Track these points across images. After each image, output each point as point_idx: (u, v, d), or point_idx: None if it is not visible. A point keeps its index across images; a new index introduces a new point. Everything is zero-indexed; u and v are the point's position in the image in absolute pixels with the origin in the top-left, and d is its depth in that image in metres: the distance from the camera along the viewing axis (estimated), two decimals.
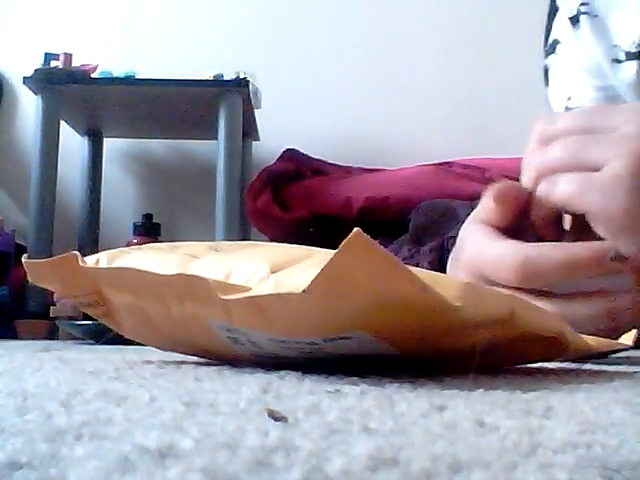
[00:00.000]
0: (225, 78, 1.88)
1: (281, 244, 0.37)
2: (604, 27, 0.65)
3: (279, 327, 0.30)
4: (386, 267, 0.26)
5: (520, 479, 0.12)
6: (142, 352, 0.56)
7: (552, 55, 0.71)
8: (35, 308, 1.72)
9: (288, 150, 1.95)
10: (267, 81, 2.09)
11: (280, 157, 1.92)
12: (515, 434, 0.16)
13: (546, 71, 0.73)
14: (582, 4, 0.66)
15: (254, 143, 2.14)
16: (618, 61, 0.65)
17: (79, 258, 0.38)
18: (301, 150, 1.95)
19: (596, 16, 0.65)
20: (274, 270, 0.31)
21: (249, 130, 2.00)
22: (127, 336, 0.42)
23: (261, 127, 2.08)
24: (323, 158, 1.94)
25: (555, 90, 0.72)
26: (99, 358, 0.51)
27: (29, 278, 0.41)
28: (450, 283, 0.30)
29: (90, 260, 0.39)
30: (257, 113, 2.01)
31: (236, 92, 1.84)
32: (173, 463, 0.13)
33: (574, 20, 0.67)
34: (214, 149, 1.85)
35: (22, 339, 1.51)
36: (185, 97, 1.90)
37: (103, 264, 0.38)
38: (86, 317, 1.57)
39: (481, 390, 0.26)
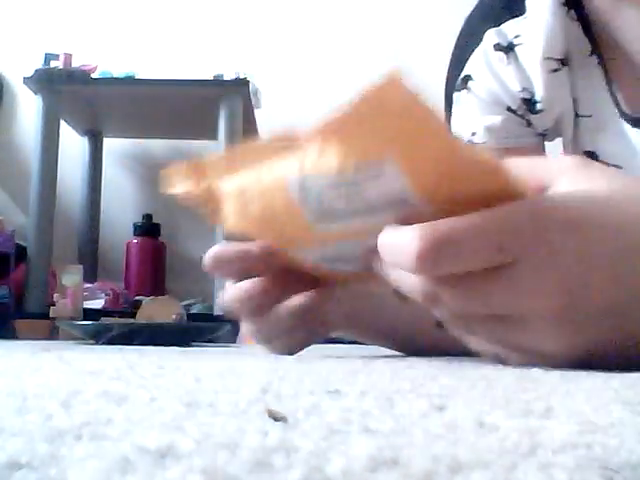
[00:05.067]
0: (225, 78, 1.88)
1: None
2: (535, 51, 0.66)
3: (334, 160, 0.34)
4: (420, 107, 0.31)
5: (520, 479, 0.12)
6: (142, 352, 0.57)
7: (464, 90, 0.71)
8: (35, 308, 1.72)
9: None
10: (267, 81, 2.09)
11: None
12: (515, 434, 0.16)
13: (450, 104, 0.73)
14: (516, 37, 0.68)
15: None
16: (555, 70, 0.66)
17: (203, 159, 0.44)
18: None
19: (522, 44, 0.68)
20: None
21: (249, 130, 2.00)
22: (229, 229, 0.44)
23: (261, 127, 2.08)
24: None
25: (459, 124, 0.72)
26: (99, 358, 0.51)
27: (169, 188, 0.44)
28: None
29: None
30: (257, 113, 2.01)
31: (236, 92, 1.84)
32: (173, 463, 0.13)
33: (507, 48, 0.68)
34: (214, 149, 1.85)
35: (22, 339, 1.51)
36: (185, 97, 1.90)
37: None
38: (86, 317, 1.57)
39: (481, 390, 0.26)
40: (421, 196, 0.35)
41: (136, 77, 1.91)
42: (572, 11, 0.66)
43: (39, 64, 1.89)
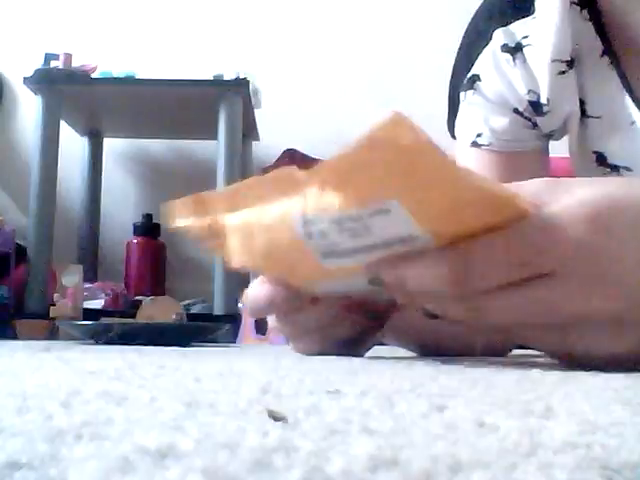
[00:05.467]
0: (225, 78, 1.88)
1: None
2: (543, 51, 0.66)
3: (336, 199, 0.34)
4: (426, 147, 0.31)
5: (520, 479, 0.12)
6: (142, 352, 0.57)
7: (470, 90, 0.71)
8: (35, 308, 1.72)
9: (288, 150, 1.95)
10: (267, 81, 2.09)
11: (280, 157, 1.92)
12: (515, 434, 0.16)
13: (455, 103, 0.73)
14: (524, 37, 0.67)
15: (254, 143, 2.14)
16: (562, 72, 0.66)
17: (205, 194, 0.44)
18: (301, 150, 1.95)
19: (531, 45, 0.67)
20: None
21: (249, 130, 2.00)
22: (234, 265, 0.45)
23: (261, 127, 2.08)
24: (323, 158, 1.94)
25: (465, 124, 0.72)
26: (99, 358, 0.51)
27: (171, 222, 0.44)
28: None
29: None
30: (257, 113, 2.01)
31: (236, 92, 1.84)
32: (173, 463, 0.13)
33: (515, 49, 0.68)
34: (214, 149, 1.85)
35: (22, 339, 1.51)
36: (185, 97, 1.90)
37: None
38: (86, 317, 1.57)
39: (481, 390, 0.26)
40: (428, 232, 0.35)
41: (136, 77, 1.91)
42: (585, 11, 0.65)
43: (39, 64, 1.88)
